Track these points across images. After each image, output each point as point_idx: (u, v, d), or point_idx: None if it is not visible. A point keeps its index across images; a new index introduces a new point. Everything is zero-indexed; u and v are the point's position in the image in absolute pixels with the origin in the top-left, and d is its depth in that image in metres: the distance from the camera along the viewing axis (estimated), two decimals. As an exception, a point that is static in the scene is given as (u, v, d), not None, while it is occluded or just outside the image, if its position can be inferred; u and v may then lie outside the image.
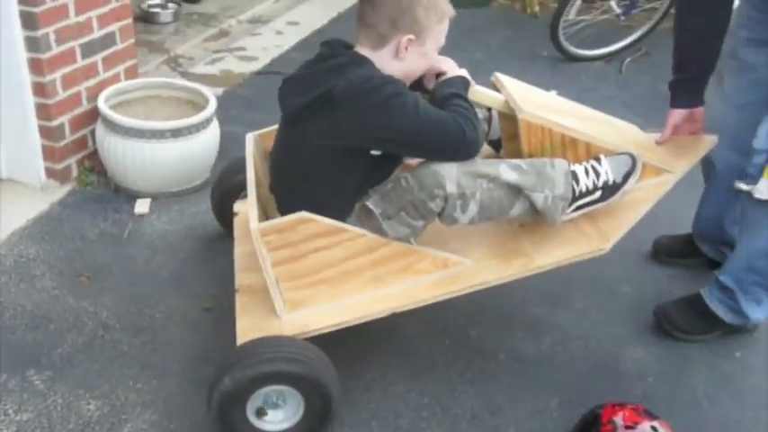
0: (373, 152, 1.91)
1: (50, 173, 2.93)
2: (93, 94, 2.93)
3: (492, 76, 2.19)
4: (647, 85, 4.30)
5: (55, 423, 1.98)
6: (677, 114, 2.25)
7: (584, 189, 2.01)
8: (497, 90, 2.13)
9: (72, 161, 2.97)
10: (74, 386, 2.10)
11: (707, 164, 2.50)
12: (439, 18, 1.94)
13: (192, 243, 2.71)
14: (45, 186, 2.93)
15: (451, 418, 2.09)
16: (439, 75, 2.07)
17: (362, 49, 1.94)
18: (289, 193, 2.03)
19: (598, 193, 2.04)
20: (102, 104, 2.84)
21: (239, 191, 2.48)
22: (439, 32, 1.96)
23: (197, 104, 3.04)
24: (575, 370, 2.28)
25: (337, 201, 1.95)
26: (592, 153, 2.09)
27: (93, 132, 2.97)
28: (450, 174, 1.87)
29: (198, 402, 2.07)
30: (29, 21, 2.63)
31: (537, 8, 5.44)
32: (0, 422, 1.97)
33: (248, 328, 1.97)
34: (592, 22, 4.67)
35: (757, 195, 2.08)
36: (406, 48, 1.91)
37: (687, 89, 2.24)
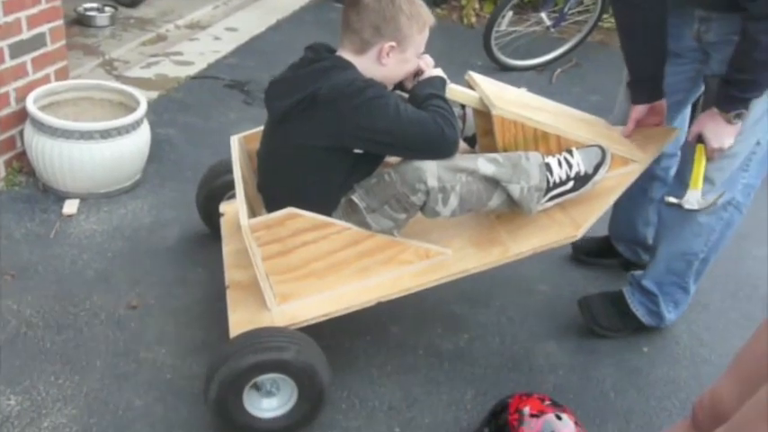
0: (356, 151, 1.98)
1: (-23, 173, 2.92)
2: (22, 95, 2.93)
3: (466, 74, 2.29)
4: (578, 95, 4.45)
5: (-27, 418, 2.00)
6: (638, 110, 2.34)
7: (557, 180, 2.12)
8: (471, 88, 2.23)
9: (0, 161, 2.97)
10: (-6, 382, 2.11)
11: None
12: (420, 27, 2.03)
13: (120, 243, 2.73)
14: (-28, 186, 2.92)
15: (368, 411, 2.16)
16: (417, 73, 2.15)
17: (345, 53, 2.02)
18: (276, 190, 2.10)
19: (571, 184, 2.15)
20: (31, 105, 2.84)
21: (224, 192, 2.58)
22: (420, 41, 2.05)
23: (129, 107, 3.06)
24: (490, 364, 2.37)
25: (323, 196, 2.03)
26: (563, 146, 2.20)
27: (21, 133, 2.97)
28: (431, 169, 1.96)
29: (119, 397, 2.11)
30: (-45, 20, 2.63)
31: (473, 19, 5.57)
32: None
33: (240, 321, 2.05)
34: (523, 33, 4.82)
35: (687, 206, 2.18)
36: (388, 54, 2.00)
37: (643, 86, 2.33)
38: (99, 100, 3.14)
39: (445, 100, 2.06)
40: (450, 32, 5.39)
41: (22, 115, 2.94)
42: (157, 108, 3.69)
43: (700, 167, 2.15)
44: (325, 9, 5.56)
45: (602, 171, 2.18)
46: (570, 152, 2.18)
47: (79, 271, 2.57)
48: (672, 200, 2.23)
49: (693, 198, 2.17)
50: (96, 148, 2.81)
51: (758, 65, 1.96)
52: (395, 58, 2.02)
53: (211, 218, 2.63)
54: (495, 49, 4.65)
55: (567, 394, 2.25)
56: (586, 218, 2.18)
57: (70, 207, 2.87)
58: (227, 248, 2.36)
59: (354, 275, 2.09)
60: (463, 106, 2.30)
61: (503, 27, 4.68)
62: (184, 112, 3.75)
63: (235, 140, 2.34)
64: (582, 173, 2.15)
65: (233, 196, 2.56)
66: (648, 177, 2.56)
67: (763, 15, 1.88)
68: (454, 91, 2.16)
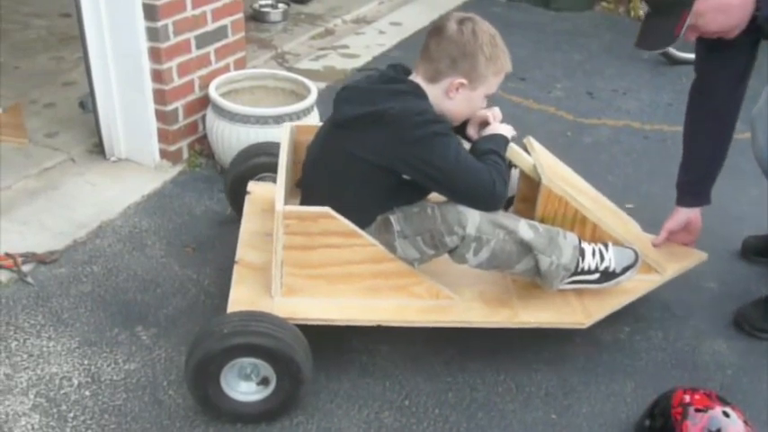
0: (405, 176, 2.00)
1: (164, 154, 3.17)
2: (205, 83, 3.15)
3: (525, 139, 2.29)
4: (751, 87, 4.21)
5: (158, 374, 2.17)
6: (676, 218, 2.38)
7: (586, 267, 2.12)
8: (528, 152, 2.23)
9: (183, 144, 3.20)
10: (176, 343, 2.28)
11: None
12: (496, 71, 2.02)
13: (289, 223, 2.88)
14: (158, 166, 3.17)
15: (525, 395, 2.16)
16: (483, 124, 2.16)
17: (418, 79, 2.03)
18: (317, 190, 2.12)
19: (596, 275, 2.15)
20: (213, 92, 3.05)
21: (252, 175, 2.63)
22: (493, 83, 2.04)
23: (300, 95, 3.21)
24: (652, 358, 2.31)
25: (361, 209, 2.04)
26: (597, 235, 2.21)
27: (203, 118, 3.20)
28: (473, 217, 1.97)
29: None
30: (150, 13, 2.87)
31: (641, 12, 5.39)
32: (111, 369, 2.18)
33: (240, 300, 2.08)
34: (696, 25, 4.61)
35: None
36: (457, 89, 2.00)
37: (694, 190, 2.38)
38: (273, 88, 3.32)
39: (503, 158, 2.06)
40: (617, 26, 5.26)
41: (204, 101, 3.17)
42: (325, 97, 3.83)
43: None
44: (486, 4, 5.57)
45: (629, 274, 2.17)
46: (606, 246, 2.15)
47: (252, 247, 2.73)
48: None
49: None
50: (271, 132, 2.97)
51: None
52: (462, 95, 2.01)
53: (237, 200, 2.62)
54: (664, 42, 4.48)
55: (736, 395, 2.15)
56: (598, 311, 2.18)
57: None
58: (246, 226, 2.40)
59: (364, 292, 2.10)
60: (513, 166, 2.25)
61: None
62: (350, 102, 3.88)
63: (287, 127, 2.38)
64: (610, 269, 2.14)
65: (262, 179, 2.61)
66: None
67: None
68: (512, 151, 2.15)
